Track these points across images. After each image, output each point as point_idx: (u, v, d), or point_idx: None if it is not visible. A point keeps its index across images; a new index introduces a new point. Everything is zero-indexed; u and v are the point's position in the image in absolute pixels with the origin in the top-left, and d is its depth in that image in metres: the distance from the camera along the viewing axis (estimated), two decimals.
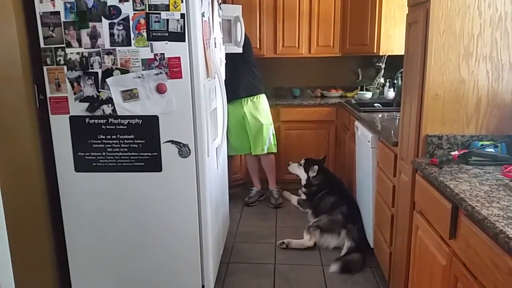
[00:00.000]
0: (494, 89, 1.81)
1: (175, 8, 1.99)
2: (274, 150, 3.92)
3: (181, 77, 2.07)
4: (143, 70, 2.06)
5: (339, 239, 3.05)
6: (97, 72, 2.08)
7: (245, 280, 2.70)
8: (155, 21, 2.01)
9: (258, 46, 4.24)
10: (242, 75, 3.67)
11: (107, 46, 2.05)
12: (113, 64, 2.07)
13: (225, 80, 3.47)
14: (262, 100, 3.79)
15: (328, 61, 4.61)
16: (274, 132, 3.90)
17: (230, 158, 3.76)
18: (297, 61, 4.64)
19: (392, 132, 2.46)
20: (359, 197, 3.29)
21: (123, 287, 2.36)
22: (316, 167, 3.70)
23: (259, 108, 3.76)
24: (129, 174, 2.19)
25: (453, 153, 1.78)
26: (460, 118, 1.86)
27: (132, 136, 2.14)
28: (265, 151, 3.82)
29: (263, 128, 3.75)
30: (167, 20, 2.01)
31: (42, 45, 2.06)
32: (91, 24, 2.03)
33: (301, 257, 2.97)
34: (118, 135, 2.15)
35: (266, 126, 3.77)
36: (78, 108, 2.12)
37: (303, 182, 3.80)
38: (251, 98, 3.73)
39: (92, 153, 2.17)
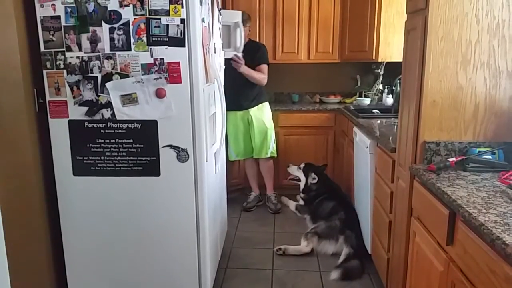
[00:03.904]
0: (491, 96, 1.82)
1: (175, 13, 2.00)
2: (275, 154, 3.97)
3: (180, 82, 2.08)
4: (142, 74, 2.07)
5: (337, 246, 3.05)
6: (96, 77, 2.08)
7: (242, 286, 2.69)
8: (155, 26, 2.02)
9: None
10: (254, 86, 3.75)
11: (107, 50, 2.05)
12: (112, 69, 2.07)
13: (236, 90, 3.56)
14: (267, 106, 3.92)
15: (327, 67, 4.62)
16: (275, 138, 3.95)
17: (229, 163, 3.77)
18: (296, 67, 4.66)
19: (390, 138, 2.47)
20: (357, 203, 3.29)
21: None
22: (314, 175, 3.71)
23: (265, 112, 3.88)
24: (128, 179, 2.19)
25: (450, 159, 1.79)
26: (457, 124, 1.87)
27: (131, 141, 2.15)
28: (268, 155, 3.89)
29: (267, 132, 3.83)
30: (167, 25, 2.02)
31: (42, 49, 2.07)
32: (91, 28, 2.04)
33: (299, 263, 2.97)
34: (117, 139, 2.15)
35: (270, 130, 3.87)
36: (77, 112, 2.13)
37: (301, 187, 3.80)
38: (258, 104, 3.85)
39: (90, 157, 2.17)
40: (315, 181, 3.70)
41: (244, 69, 3.56)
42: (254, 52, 3.71)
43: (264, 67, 3.74)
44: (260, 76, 3.70)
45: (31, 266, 2.13)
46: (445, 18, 1.77)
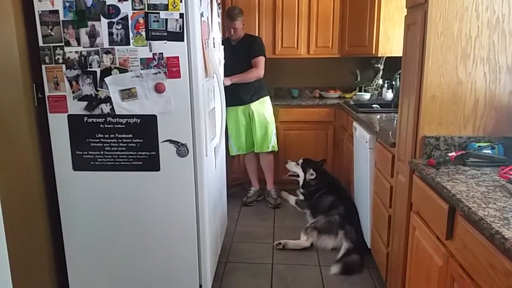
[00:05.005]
0: (491, 90, 1.82)
1: (174, 7, 2.00)
2: (276, 149, 3.99)
3: (179, 77, 2.07)
4: (141, 69, 2.06)
5: (336, 240, 3.06)
6: (95, 71, 2.08)
7: (242, 280, 2.70)
8: (154, 21, 2.01)
9: None
10: (255, 80, 3.74)
11: (106, 45, 2.05)
12: (111, 63, 2.07)
13: (237, 85, 3.58)
14: (268, 100, 3.93)
15: (326, 62, 4.61)
16: (275, 132, 3.97)
17: (228, 158, 3.78)
18: (296, 62, 4.65)
19: (390, 133, 2.47)
20: (357, 198, 3.29)
21: (120, 286, 2.36)
22: (312, 171, 3.71)
23: (266, 106, 3.89)
24: (127, 173, 2.19)
25: (450, 154, 1.79)
26: (457, 119, 1.87)
27: (130, 135, 2.15)
28: (270, 149, 3.90)
29: (268, 126, 3.85)
30: (166, 19, 2.01)
31: (40, 43, 2.06)
32: (90, 23, 2.03)
33: (298, 257, 2.98)
34: (116, 134, 2.15)
35: (271, 124, 3.89)
36: (77, 107, 2.13)
37: (301, 182, 3.80)
38: (259, 99, 3.85)
39: (90, 152, 2.17)
40: (313, 177, 3.71)
41: (233, 79, 3.56)
42: (249, 46, 3.70)
43: (260, 59, 3.71)
44: (253, 73, 3.68)
45: (31, 260, 2.13)
46: (445, 13, 1.76)
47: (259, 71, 3.70)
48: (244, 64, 3.68)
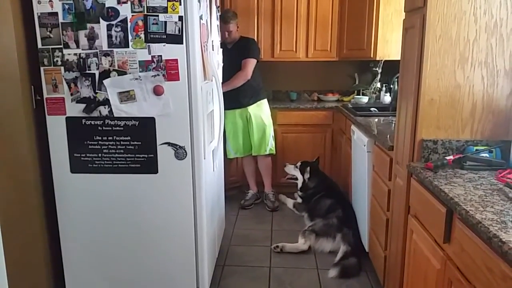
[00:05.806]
0: (489, 94, 1.83)
1: (173, 10, 2.00)
2: (274, 152, 3.99)
3: (178, 79, 2.07)
4: (140, 71, 2.06)
5: (334, 243, 3.05)
6: (94, 73, 2.08)
7: (240, 283, 2.69)
8: (153, 23, 2.01)
9: None
10: (252, 83, 3.72)
11: (105, 47, 2.05)
12: (110, 66, 2.07)
13: (234, 88, 3.55)
14: (265, 103, 3.92)
15: (325, 65, 4.62)
16: (273, 135, 3.96)
17: (227, 161, 3.77)
18: (294, 65, 4.66)
19: (388, 136, 2.47)
20: (354, 201, 3.29)
21: None
22: (308, 168, 3.71)
23: (263, 109, 3.88)
24: (125, 176, 2.19)
25: (448, 157, 1.79)
26: (455, 123, 1.87)
27: (129, 138, 2.14)
28: (267, 152, 3.90)
29: (266, 129, 3.85)
30: (165, 22, 2.01)
31: (39, 45, 2.06)
32: (89, 25, 2.03)
33: (296, 261, 2.97)
34: (114, 137, 2.15)
35: (268, 127, 3.89)
36: (75, 109, 2.12)
37: (299, 185, 3.80)
38: (257, 102, 3.85)
39: (88, 154, 2.17)
40: (308, 176, 3.70)
41: (222, 89, 3.50)
42: (242, 48, 3.70)
43: (248, 61, 3.63)
44: (239, 77, 3.61)
45: (28, 262, 2.12)
46: (443, 17, 1.77)
47: (244, 73, 3.62)
48: (240, 67, 3.67)
